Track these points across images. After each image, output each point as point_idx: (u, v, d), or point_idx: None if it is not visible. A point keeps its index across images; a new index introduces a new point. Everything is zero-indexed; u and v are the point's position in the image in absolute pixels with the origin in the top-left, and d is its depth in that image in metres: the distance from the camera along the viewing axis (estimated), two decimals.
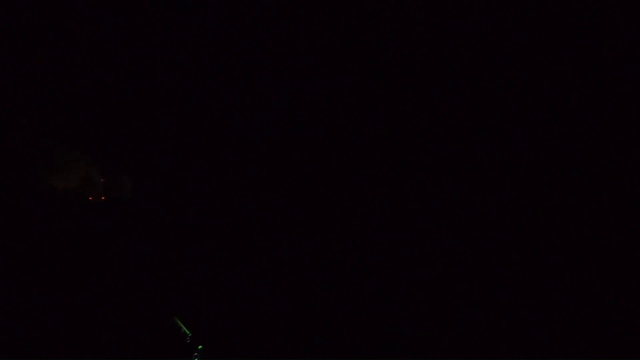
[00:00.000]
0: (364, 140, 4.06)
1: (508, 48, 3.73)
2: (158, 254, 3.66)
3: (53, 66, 4.53)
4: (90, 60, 4.39)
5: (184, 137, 4.32)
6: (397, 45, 4.03)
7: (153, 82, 4.37)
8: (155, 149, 4.45)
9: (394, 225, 3.88)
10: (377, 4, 4.00)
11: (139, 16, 4.29)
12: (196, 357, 1.82)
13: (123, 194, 5.86)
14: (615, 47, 3.40)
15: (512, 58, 3.74)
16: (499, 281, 3.45)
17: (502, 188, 3.70)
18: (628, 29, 3.33)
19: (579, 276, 3.30)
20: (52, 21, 4.38)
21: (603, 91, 3.46)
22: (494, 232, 3.62)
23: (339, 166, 4.12)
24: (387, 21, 4.05)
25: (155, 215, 4.12)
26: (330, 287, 3.52)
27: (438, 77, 3.90)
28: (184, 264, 3.71)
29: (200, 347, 1.84)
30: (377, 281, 3.59)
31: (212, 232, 3.94)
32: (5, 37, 4.29)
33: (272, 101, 4.15)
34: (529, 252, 3.48)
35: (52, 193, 5.71)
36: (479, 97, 3.87)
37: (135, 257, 3.71)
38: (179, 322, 2.03)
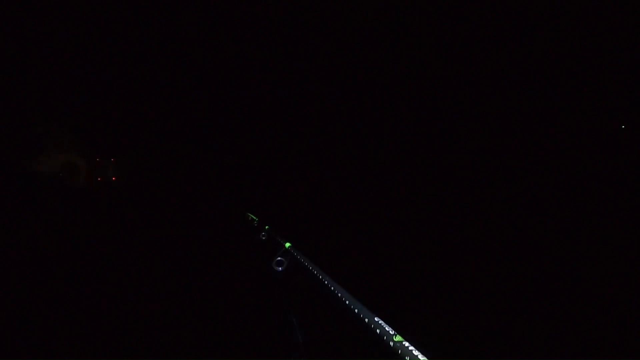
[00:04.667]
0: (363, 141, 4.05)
1: (507, 49, 3.74)
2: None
3: (35, 56, 4.47)
4: (72, 49, 4.33)
5: (167, 126, 4.31)
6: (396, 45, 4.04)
7: (135, 71, 4.33)
8: (140, 134, 4.42)
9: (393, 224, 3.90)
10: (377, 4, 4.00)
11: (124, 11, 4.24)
12: (264, 235, 2.37)
13: (106, 177, 5.77)
14: (615, 48, 3.40)
15: (511, 59, 3.75)
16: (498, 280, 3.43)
17: (502, 187, 3.70)
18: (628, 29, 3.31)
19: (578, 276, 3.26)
20: (36, 13, 4.31)
21: (602, 91, 3.47)
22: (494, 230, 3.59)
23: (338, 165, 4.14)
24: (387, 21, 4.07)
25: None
26: None
27: (437, 77, 3.90)
28: None
29: (267, 227, 2.37)
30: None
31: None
32: None
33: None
34: (528, 251, 3.45)
35: (35, 177, 5.64)
36: (478, 97, 3.89)
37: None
38: (250, 215, 2.70)
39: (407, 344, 0.96)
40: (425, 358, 0.89)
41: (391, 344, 0.98)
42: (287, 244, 1.86)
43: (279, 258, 1.85)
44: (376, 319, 1.10)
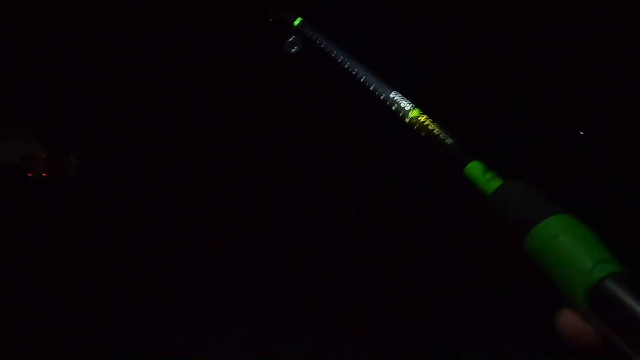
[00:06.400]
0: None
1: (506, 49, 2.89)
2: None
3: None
4: (31, 33, 3.57)
5: (133, 115, 3.63)
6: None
7: (97, 56, 3.55)
8: (105, 125, 3.79)
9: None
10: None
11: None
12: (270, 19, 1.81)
13: (67, 172, 5.30)
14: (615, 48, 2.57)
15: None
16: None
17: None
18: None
19: None
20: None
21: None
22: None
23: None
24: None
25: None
26: None
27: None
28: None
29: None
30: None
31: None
32: None
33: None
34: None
35: None
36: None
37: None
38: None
39: (424, 118, 0.88)
40: (442, 131, 0.82)
41: (407, 120, 0.90)
42: (297, 21, 1.64)
43: (290, 39, 1.68)
44: (392, 94, 1.00)
